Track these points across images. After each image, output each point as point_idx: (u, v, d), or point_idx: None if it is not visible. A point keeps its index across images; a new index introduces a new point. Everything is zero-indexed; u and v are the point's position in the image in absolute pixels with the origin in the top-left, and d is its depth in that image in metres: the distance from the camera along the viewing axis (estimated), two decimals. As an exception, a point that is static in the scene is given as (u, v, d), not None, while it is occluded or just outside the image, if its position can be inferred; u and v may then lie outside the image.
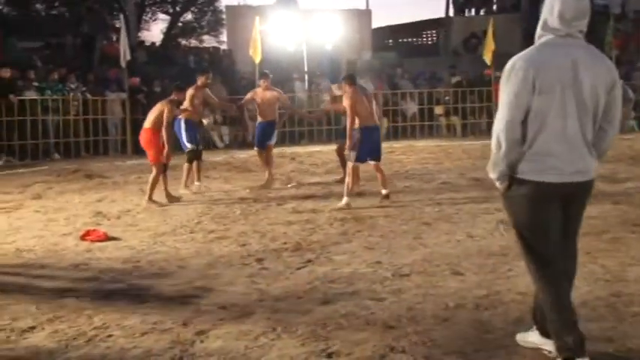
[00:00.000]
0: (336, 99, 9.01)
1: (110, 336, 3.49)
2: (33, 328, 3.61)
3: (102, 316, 3.80)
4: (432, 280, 4.30)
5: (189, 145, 8.38)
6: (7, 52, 13.33)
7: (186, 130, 8.37)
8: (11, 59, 12.96)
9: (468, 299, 3.87)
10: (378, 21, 39.00)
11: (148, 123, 7.70)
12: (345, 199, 7.08)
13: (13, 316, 3.78)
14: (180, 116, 8.20)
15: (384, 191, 7.26)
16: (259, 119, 9.05)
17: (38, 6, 25.12)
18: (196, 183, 8.49)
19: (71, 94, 12.61)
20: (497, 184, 2.97)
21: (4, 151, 11.67)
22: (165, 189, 7.59)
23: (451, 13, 23.11)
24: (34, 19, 22.66)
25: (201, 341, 3.39)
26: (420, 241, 5.41)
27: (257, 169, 9.68)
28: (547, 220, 2.89)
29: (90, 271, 4.76)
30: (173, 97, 8.01)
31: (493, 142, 2.91)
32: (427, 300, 3.90)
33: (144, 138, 7.73)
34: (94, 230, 5.91)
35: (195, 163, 8.46)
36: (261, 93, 9.09)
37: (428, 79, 16.71)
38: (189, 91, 8.47)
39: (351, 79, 7.59)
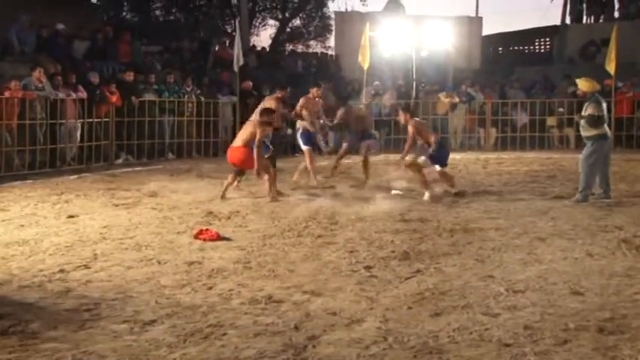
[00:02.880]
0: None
1: (225, 334, 3.58)
2: (154, 321, 3.77)
3: (216, 314, 3.92)
4: (549, 299, 4.11)
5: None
6: (134, 57, 14.10)
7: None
8: (134, 62, 13.71)
9: (590, 321, 3.67)
10: (489, 28, 38.14)
11: (240, 141, 8.12)
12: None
13: (136, 309, 3.98)
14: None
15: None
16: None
17: (157, 12, 26.52)
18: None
19: (186, 96, 13.17)
20: None
21: (124, 149, 12.33)
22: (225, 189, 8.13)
23: (567, 20, 22.16)
24: (153, 24, 23.93)
25: (313, 346, 3.41)
26: (534, 257, 5.21)
27: (361, 174, 9.73)
28: None
29: (204, 270, 4.92)
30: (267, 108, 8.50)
31: None
32: (545, 319, 3.74)
33: (237, 157, 8.16)
34: (206, 230, 6.10)
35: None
36: (312, 101, 9.46)
37: (541, 88, 16.08)
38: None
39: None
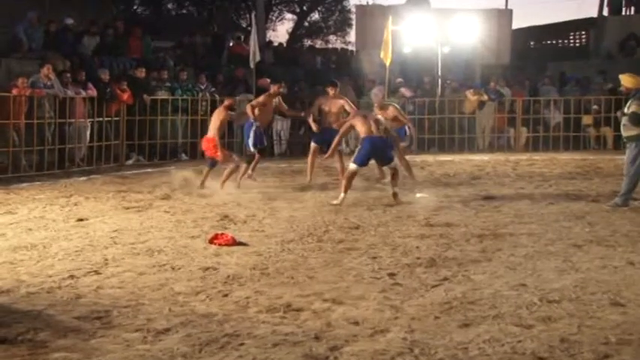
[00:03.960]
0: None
1: (242, 344, 3.59)
2: (167, 330, 3.79)
3: (232, 323, 3.92)
4: (587, 310, 4.07)
5: (253, 148, 9.59)
6: (145, 52, 14.21)
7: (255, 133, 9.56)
8: (145, 59, 13.82)
9: (633, 335, 3.63)
10: (519, 21, 37.95)
11: (212, 132, 9.09)
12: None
13: (148, 317, 4.00)
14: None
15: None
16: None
17: (169, 6, 26.71)
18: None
19: (200, 94, 13.24)
20: None
21: (135, 150, 12.43)
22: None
23: (605, 11, 21.91)
24: (165, 19, 24.12)
25: (335, 358, 3.41)
26: (569, 265, 5.16)
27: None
28: None
29: (219, 276, 4.94)
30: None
31: None
32: (583, 331, 3.70)
33: (209, 147, 9.13)
34: (222, 234, 6.13)
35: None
36: (329, 101, 9.67)
37: (576, 85, 15.93)
38: (260, 98, 9.84)
39: None
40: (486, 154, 14.04)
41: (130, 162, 12.21)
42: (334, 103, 9.67)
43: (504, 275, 4.91)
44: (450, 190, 9.24)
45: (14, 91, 10.43)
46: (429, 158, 12.99)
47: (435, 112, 14.84)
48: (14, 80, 10.67)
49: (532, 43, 23.54)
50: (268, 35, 25.47)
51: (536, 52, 22.15)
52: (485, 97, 14.99)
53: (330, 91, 9.68)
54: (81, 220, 7.06)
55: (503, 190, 9.11)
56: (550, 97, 15.30)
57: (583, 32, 22.39)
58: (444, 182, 9.99)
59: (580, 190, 9.09)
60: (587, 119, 14.91)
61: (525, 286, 4.59)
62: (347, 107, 9.58)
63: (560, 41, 23.30)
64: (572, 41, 23.06)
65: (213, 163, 9.28)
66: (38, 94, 10.67)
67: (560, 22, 23.24)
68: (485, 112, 15.09)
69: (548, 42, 23.47)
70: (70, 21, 13.49)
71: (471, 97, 14.96)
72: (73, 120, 11.23)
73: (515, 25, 21.27)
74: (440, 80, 15.89)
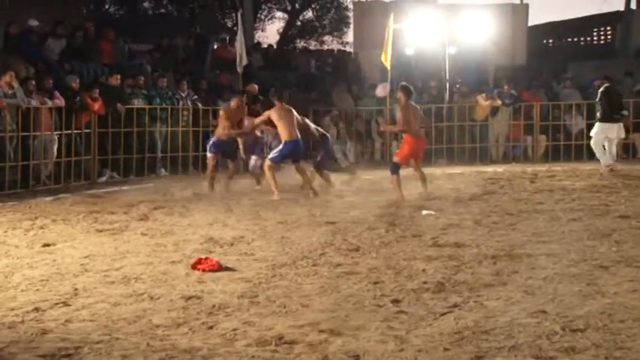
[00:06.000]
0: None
1: (228, 382, 3.59)
2: (145, 367, 3.79)
3: (219, 358, 3.93)
4: (615, 339, 4.07)
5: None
6: (119, 57, 14.27)
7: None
8: (119, 64, 13.88)
9: (665, 366, 3.64)
10: (536, 17, 38.17)
11: None
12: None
13: (124, 354, 3.99)
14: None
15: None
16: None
17: (146, 4, 26.82)
18: None
19: (181, 102, 13.30)
20: None
21: (109, 166, 12.44)
22: None
23: (632, 4, 22.03)
24: (141, 19, 24.23)
25: (333, 396, 3.41)
26: (595, 289, 5.17)
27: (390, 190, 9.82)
28: None
29: (203, 306, 4.94)
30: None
31: None
32: (610, 364, 3.71)
33: None
34: (206, 259, 6.13)
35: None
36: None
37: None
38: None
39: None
40: (500, 166, 14.10)
41: (102, 179, 12.24)
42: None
43: (521, 301, 4.91)
44: (460, 206, 9.27)
45: (-29, 102, 10.47)
46: (437, 171, 13.02)
47: (443, 120, 14.93)
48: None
49: (551, 41, 23.73)
50: (257, 36, 25.65)
51: (556, 52, 22.31)
52: (499, 103, 15.09)
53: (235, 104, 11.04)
54: (47, 245, 7.05)
55: (519, 206, 9.14)
56: (572, 101, 15.39)
57: (608, 28, 22.57)
58: (453, 197, 10.02)
59: (606, 204, 9.11)
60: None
61: (545, 313, 4.60)
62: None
63: (582, 39, 23.49)
64: (595, 39, 23.23)
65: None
66: (-1, 104, 10.70)
67: (582, 17, 23.44)
68: (498, 118, 15.19)
69: (569, 40, 23.66)
70: (34, 22, 13.54)
71: (483, 102, 15.06)
72: (38, 133, 11.25)
73: (532, 22, 21.47)
74: (448, 84, 15.98)
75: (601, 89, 13.06)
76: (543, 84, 16.58)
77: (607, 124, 12.75)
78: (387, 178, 10.25)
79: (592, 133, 13.08)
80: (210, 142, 11.08)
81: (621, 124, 12.89)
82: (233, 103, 11.17)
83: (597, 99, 13.09)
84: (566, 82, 16.50)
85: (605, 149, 12.76)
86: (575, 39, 23.53)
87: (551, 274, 5.64)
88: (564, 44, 23.28)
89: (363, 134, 15.36)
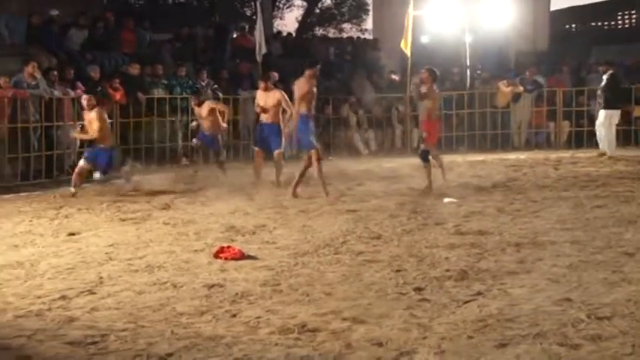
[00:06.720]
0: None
1: (253, 369, 3.61)
2: (170, 355, 3.81)
3: (242, 346, 3.95)
4: (642, 327, 4.05)
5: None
6: (140, 47, 14.32)
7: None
8: (140, 54, 13.93)
9: (694, 354, 3.60)
10: (559, 1, 37.68)
11: None
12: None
13: (149, 341, 4.03)
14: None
15: None
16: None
17: (165, -7, 26.86)
18: None
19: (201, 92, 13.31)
20: None
21: (130, 155, 12.50)
22: None
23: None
24: (161, 8, 24.27)
25: (357, 383, 3.42)
26: (621, 276, 5.13)
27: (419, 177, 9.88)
28: None
29: (226, 294, 4.96)
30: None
31: None
32: (638, 352, 3.67)
33: None
34: (228, 247, 6.16)
35: None
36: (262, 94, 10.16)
37: (625, 72, 15.83)
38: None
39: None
40: (523, 153, 14.01)
41: (125, 168, 12.28)
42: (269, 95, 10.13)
43: (546, 289, 4.89)
44: (483, 193, 9.24)
45: (-5, 92, 10.56)
46: (458, 158, 12.97)
47: (464, 107, 14.83)
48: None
49: (573, 25, 23.45)
50: (276, 24, 25.64)
51: (579, 36, 22.06)
52: (521, 89, 14.97)
53: (262, 84, 10.28)
54: (72, 234, 7.12)
55: (542, 193, 9.08)
56: (596, 87, 15.19)
57: (633, 11, 22.24)
58: (475, 185, 9.98)
59: (631, 190, 9.03)
60: (638, 111, 14.82)
61: (570, 301, 4.57)
62: (283, 103, 10.00)
63: (606, 23, 23.17)
64: (620, 22, 22.90)
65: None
66: (22, 95, 10.78)
67: (606, 0, 23.10)
68: (520, 105, 15.07)
69: (592, 24, 23.36)
70: (55, 12, 13.60)
71: (505, 88, 14.94)
72: (60, 123, 11.33)
73: (554, 6, 21.24)
74: (469, 71, 15.87)
75: (607, 75, 12.94)
76: (568, 70, 16.39)
77: (612, 111, 12.68)
78: (407, 166, 10.21)
79: (598, 122, 12.98)
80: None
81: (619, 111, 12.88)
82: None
83: (602, 85, 12.96)
84: (591, 67, 16.28)
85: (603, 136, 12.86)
86: (599, 23, 23.23)
87: (575, 261, 5.60)
88: (587, 28, 22.99)
89: (383, 122, 15.32)
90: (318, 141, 9.30)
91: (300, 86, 9.07)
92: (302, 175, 9.15)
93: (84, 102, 9.98)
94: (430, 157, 9.58)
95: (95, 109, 9.76)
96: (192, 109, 11.23)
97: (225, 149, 12.24)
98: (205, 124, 10.65)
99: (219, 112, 10.94)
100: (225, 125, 10.97)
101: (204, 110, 10.80)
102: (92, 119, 9.75)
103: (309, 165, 9.06)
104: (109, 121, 10.44)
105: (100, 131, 9.70)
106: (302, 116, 8.97)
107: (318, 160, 8.96)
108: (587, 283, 4.99)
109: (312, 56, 17.55)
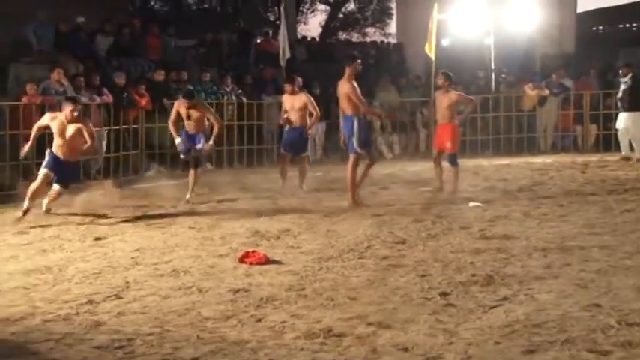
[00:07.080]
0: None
1: (278, 374, 3.62)
2: (195, 359, 3.84)
3: (267, 351, 3.96)
4: (674, 334, 3.99)
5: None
6: (165, 53, 14.40)
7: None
8: (165, 60, 14.03)
9: None
10: (585, 3, 37.32)
11: None
12: None
13: (175, 345, 4.06)
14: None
15: None
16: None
17: (190, 0, 27.10)
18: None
19: (226, 97, 13.38)
20: None
21: (156, 160, 12.59)
22: None
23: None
24: (186, 15, 24.47)
25: (383, 388, 3.41)
26: (650, 281, 5.07)
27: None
28: None
29: (251, 298, 4.98)
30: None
31: None
32: (668, 358, 3.63)
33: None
34: (253, 252, 6.18)
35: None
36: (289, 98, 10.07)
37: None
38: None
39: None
40: (549, 156, 13.89)
41: (150, 173, 12.37)
42: (295, 99, 10.08)
43: (574, 294, 4.84)
44: (508, 197, 9.17)
45: (24, 100, 10.69)
46: (484, 162, 12.91)
47: (489, 110, 14.74)
48: (24, 87, 10.91)
49: (600, 27, 23.23)
50: (299, 29, 25.67)
51: (606, 38, 21.85)
52: (547, 92, 14.84)
53: (288, 87, 10.20)
54: (99, 239, 7.19)
55: (569, 197, 9.00)
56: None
57: (661, 13, 22.03)
58: (500, 189, 9.91)
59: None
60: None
61: (599, 307, 4.53)
62: (310, 106, 10.00)
63: (634, 24, 22.91)
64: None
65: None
66: (49, 101, 10.90)
67: (633, 1, 22.86)
68: (546, 108, 14.94)
69: (620, 26, 23.12)
70: (81, 19, 13.73)
71: (530, 92, 14.83)
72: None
73: (581, 8, 21.06)
74: (494, 74, 15.78)
75: (627, 78, 12.83)
76: (595, 73, 16.22)
77: (635, 113, 12.57)
78: (431, 170, 10.10)
79: (618, 124, 13.02)
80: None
81: None
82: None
83: (623, 87, 12.85)
84: (618, 69, 16.07)
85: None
86: (627, 25, 22.99)
87: (604, 266, 5.55)
88: (615, 30, 22.77)
89: (408, 126, 15.27)
90: (368, 145, 9.01)
91: (341, 86, 8.95)
92: (364, 175, 9.06)
93: (71, 112, 8.53)
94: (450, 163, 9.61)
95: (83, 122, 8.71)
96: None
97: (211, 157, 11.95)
98: (191, 125, 10.02)
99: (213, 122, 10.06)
100: (211, 143, 10.27)
101: (195, 113, 9.89)
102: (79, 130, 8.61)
103: (370, 165, 9.07)
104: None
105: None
106: (347, 117, 8.81)
107: (354, 165, 8.78)
108: (616, 288, 4.94)
109: (337, 61, 17.61)
